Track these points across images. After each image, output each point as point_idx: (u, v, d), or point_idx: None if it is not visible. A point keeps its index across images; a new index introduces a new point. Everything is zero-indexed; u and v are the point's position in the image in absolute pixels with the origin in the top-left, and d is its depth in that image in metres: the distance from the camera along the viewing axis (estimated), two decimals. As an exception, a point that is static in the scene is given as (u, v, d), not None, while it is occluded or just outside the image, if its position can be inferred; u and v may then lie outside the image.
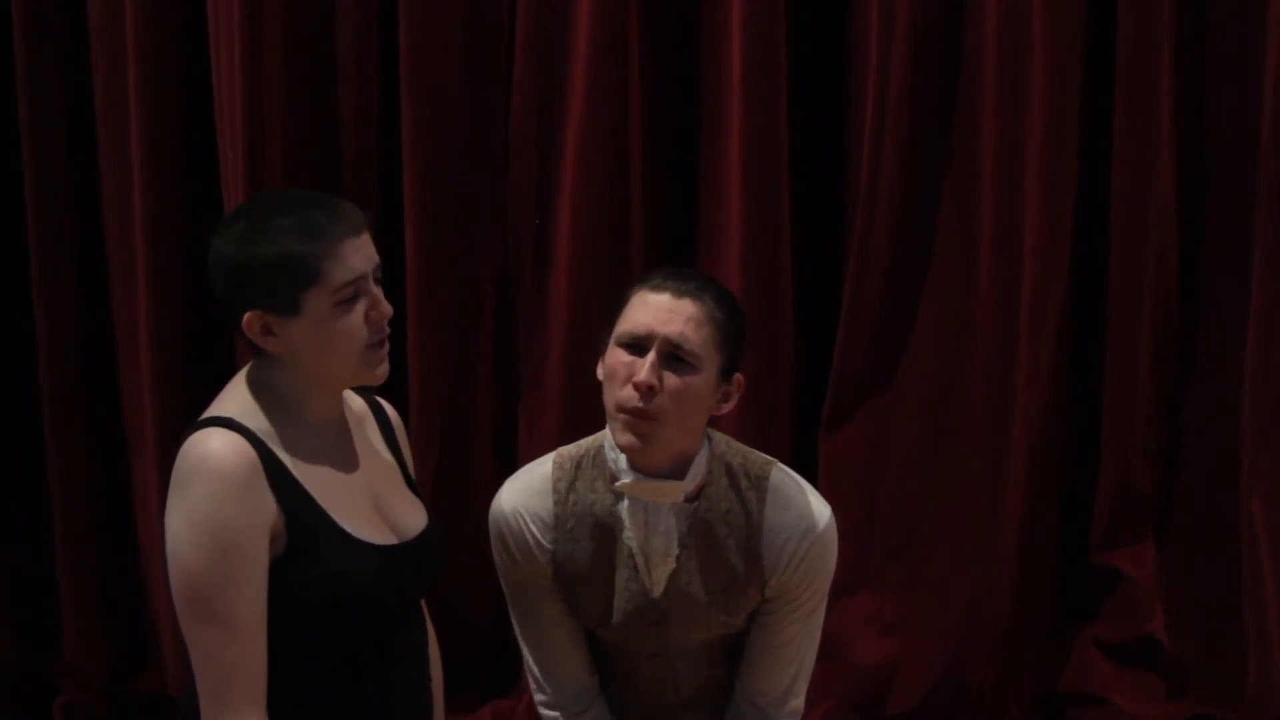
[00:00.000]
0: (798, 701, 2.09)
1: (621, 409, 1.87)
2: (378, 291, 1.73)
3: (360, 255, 1.69)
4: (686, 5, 3.01)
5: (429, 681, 1.91)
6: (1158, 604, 2.97)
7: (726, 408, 1.97)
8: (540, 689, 2.11)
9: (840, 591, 3.03)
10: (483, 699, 3.14)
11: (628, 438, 1.88)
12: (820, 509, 2.00)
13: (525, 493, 2.03)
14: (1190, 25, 2.84)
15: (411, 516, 1.86)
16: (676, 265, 2.07)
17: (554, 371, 3.06)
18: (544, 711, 2.12)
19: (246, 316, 1.68)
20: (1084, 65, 2.85)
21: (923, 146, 2.92)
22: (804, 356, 3.06)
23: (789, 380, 3.03)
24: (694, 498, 1.97)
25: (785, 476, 2.02)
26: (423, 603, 1.93)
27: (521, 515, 2.01)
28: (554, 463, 2.04)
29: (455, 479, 3.10)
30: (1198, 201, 2.90)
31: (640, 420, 1.86)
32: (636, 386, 1.85)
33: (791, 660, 2.06)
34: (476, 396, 3.13)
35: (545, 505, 2.00)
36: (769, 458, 2.06)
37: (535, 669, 2.10)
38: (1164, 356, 2.90)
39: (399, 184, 3.05)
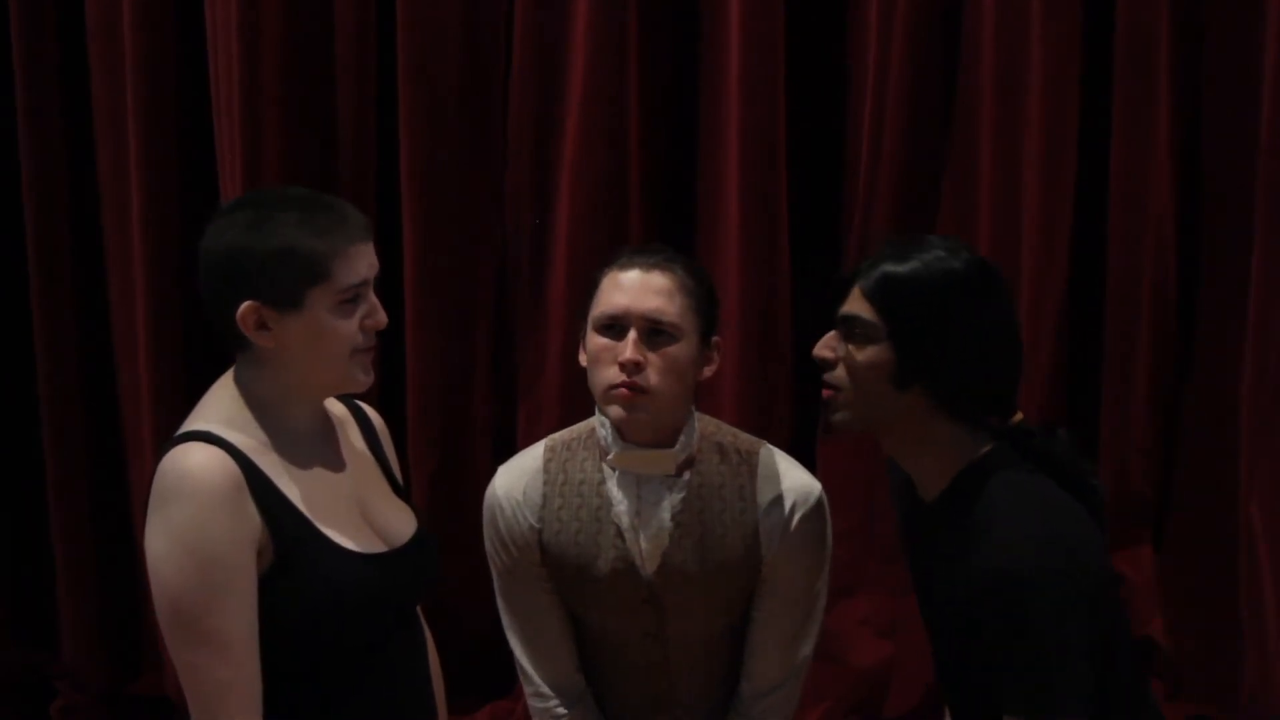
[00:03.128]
0: (794, 701, 2.10)
1: (610, 387, 1.90)
2: (375, 299, 1.72)
3: (365, 261, 1.68)
4: (685, 5, 3.02)
5: (429, 688, 1.89)
6: (1155, 606, 2.97)
7: (709, 371, 2.00)
8: (528, 680, 2.12)
9: (838, 593, 3.03)
10: (481, 701, 3.14)
11: (618, 411, 1.90)
12: (810, 481, 2.04)
13: (517, 474, 2.06)
14: (1189, 23, 2.84)
15: (400, 522, 1.83)
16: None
17: (552, 373, 3.06)
18: (534, 703, 2.12)
19: (244, 307, 1.63)
20: (1082, 63, 2.85)
21: (921, 146, 2.92)
22: (802, 359, 3.05)
23: (787, 383, 3.03)
24: (684, 472, 1.98)
25: (774, 452, 2.06)
26: (418, 608, 1.91)
27: (513, 496, 2.04)
28: (546, 445, 2.08)
29: (453, 481, 3.09)
30: (1196, 201, 2.90)
31: (630, 394, 1.88)
32: (622, 365, 1.87)
33: (793, 643, 2.06)
34: (474, 399, 3.13)
35: (536, 485, 2.04)
36: (756, 437, 2.09)
37: (523, 660, 2.11)
38: (1162, 357, 2.90)
39: (397, 185, 3.05)
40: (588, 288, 2.00)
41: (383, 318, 1.72)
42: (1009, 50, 2.83)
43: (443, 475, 3.09)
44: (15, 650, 3.45)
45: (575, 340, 2.98)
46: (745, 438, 2.07)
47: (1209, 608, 2.93)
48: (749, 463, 2.02)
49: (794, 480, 2.03)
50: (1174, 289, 2.90)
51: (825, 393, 1.79)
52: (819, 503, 2.03)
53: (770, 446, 2.07)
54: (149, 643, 3.38)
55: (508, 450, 3.10)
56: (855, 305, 1.76)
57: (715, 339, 2.00)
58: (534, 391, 3.09)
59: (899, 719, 3.08)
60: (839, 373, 1.77)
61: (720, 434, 2.05)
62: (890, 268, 1.74)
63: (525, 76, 3.02)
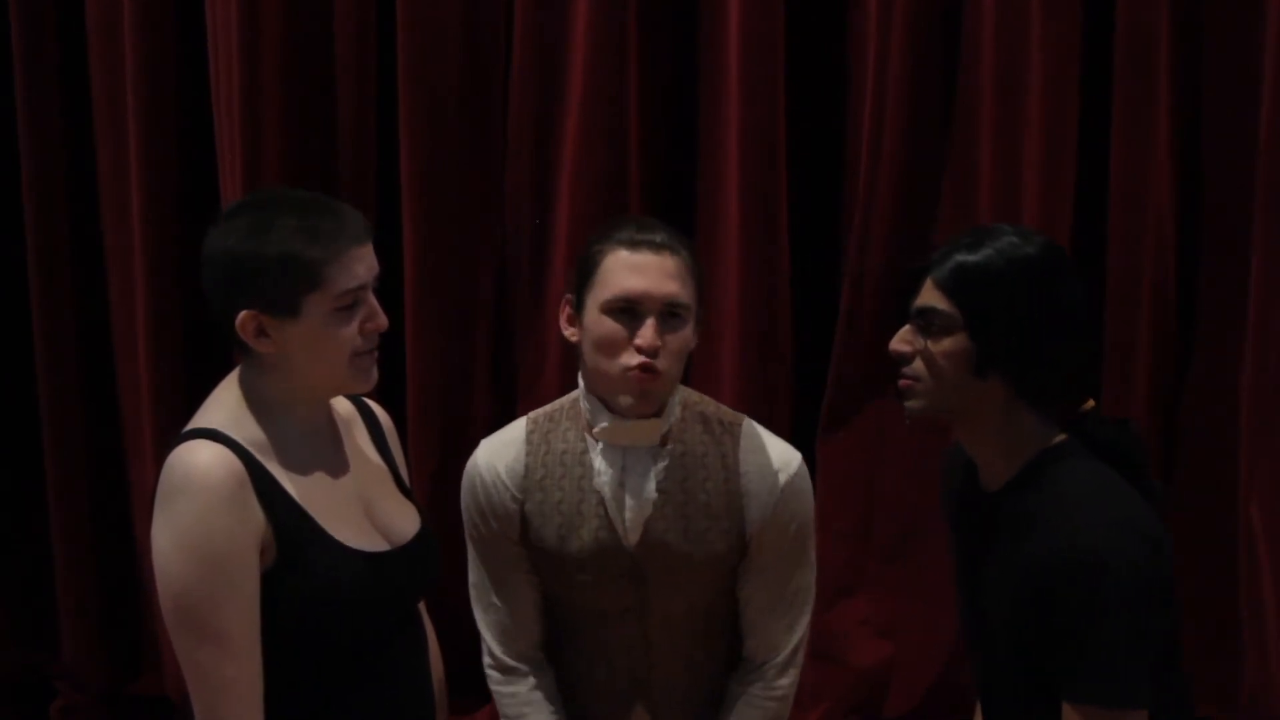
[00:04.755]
0: (797, 671, 2.09)
1: (628, 373, 1.87)
2: (375, 302, 1.71)
3: (364, 264, 1.68)
4: (685, 5, 3.02)
5: (430, 686, 1.89)
6: (1155, 606, 2.97)
7: (694, 343, 1.98)
8: (488, 653, 2.10)
9: (837, 593, 3.04)
10: (482, 701, 3.14)
11: (631, 401, 1.89)
12: (791, 451, 2.05)
13: (499, 446, 2.05)
14: (1189, 23, 2.84)
15: (404, 520, 1.83)
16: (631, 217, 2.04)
17: (551, 373, 3.06)
18: (493, 675, 2.10)
19: (242, 315, 1.64)
20: (1082, 63, 2.85)
21: (921, 146, 2.92)
22: (802, 359, 3.06)
23: (787, 383, 3.03)
24: (668, 441, 1.98)
25: (754, 424, 2.06)
26: (421, 605, 1.91)
27: (494, 467, 2.02)
28: (528, 418, 2.07)
29: (453, 482, 3.07)
30: (1195, 201, 2.91)
31: (648, 382, 1.87)
32: (644, 351, 1.85)
33: (789, 613, 2.05)
34: (474, 399, 3.13)
35: (518, 456, 2.02)
36: (737, 411, 2.09)
37: (489, 630, 2.09)
38: (1162, 357, 2.91)
39: (397, 185, 3.05)
40: (581, 261, 1.94)
41: (383, 320, 1.72)
42: (1009, 50, 2.83)
43: (443, 475, 3.09)
44: (15, 650, 3.45)
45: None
46: (727, 409, 2.07)
47: (1209, 608, 2.92)
48: (731, 433, 2.02)
49: (778, 449, 2.03)
50: (1174, 289, 2.90)
51: (903, 383, 1.78)
52: (801, 468, 2.04)
53: (751, 420, 2.07)
54: (149, 643, 3.38)
55: (508, 450, 3.12)
56: (929, 297, 1.74)
57: (700, 311, 1.98)
58: (534, 391, 3.09)
59: (899, 719, 3.08)
60: (916, 365, 1.75)
61: (703, 404, 2.05)
62: (963, 257, 1.71)
63: (525, 76, 3.02)
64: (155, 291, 3.16)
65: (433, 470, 3.08)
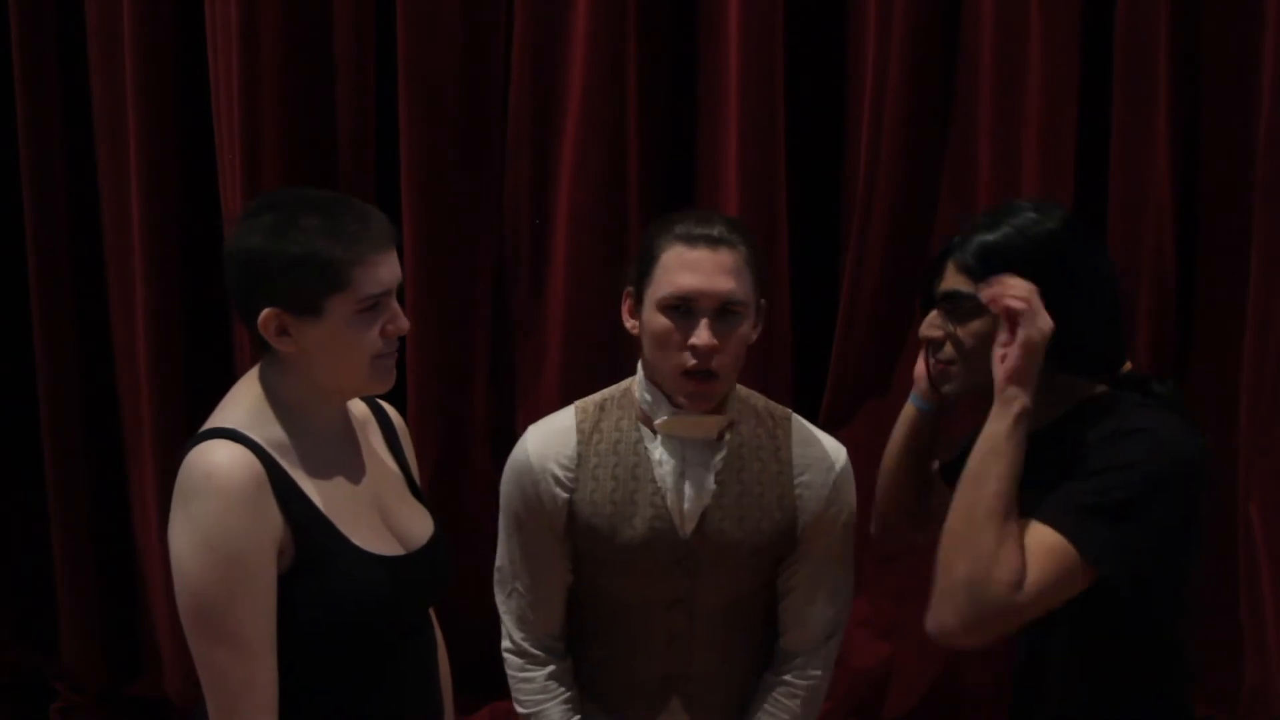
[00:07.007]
0: (831, 664, 2.10)
1: (685, 373, 1.89)
2: (397, 305, 1.70)
3: (388, 269, 1.67)
4: (684, 5, 3.02)
5: (439, 689, 1.89)
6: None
7: (755, 335, 1.97)
8: (507, 637, 2.09)
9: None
10: (482, 701, 3.14)
11: (690, 395, 1.91)
12: (839, 444, 2.08)
13: (550, 433, 2.03)
14: (1188, 23, 2.84)
15: (417, 525, 1.83)
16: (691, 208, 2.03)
17: (551, 373, 3.06)
18: (509, 658, 2.10)
19: (264, 313, 1.63)
20: (1081, 63, 2.85)
21: (919, 147, 2.92)
22: (801, 359, 3.06)
23: (786, 383, 3.03)
24: (724, 434, 1.99)
25: (801, 418, 2.09)
26: (430, 609, 1.91)
27: (545, 456, 2.01)
28: (577, 406, 2.06)
29: (453, 481, 3.09)
30: (1194, 202, 2.90)
31: (705, 382, 1.89)
32: (696, 351, 1.86)
33: (830, 603, 2.07)
34: (474, 398, 3.13)
35: (569, 444, 2.01)
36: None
37: (509, 615, 2.08)
38: (1159, 358, 2.90)
39: (396, 185, 3.05)
40: (640, 254, 1.94)
41: (404, 323, 1.71)
42: (1008, 50, 2.83)
43: (442, 476, 3.09)
44: (15, 650, 3.45)
45: (574, 341, 3.02)
46: (774, 404, 2.08)
47: (1208, 608, 2.92)
48: (783, 426, 2.04)
49: (826, 443, 2.06)
50: (1173, 289, 2.90)
51: (938, 366, 1.78)
52: (848, 464, 2.07)
53: (796, 414, 2.09)
54: (148, 644, 3.39)
55: (507, 451, 3.10)
56: (953, 281, 1.74)
57: (763, 301, 1.97)
58: (534, 391, 3.09)
59: None
60: (947, 349, 1.76)
61: (753, 397, 2.06)
62: (983, 237, 1.71)
63: (525, 76, 3.02)
64: (155, 291, 3.16)
65: (431, 470, 3.08)
